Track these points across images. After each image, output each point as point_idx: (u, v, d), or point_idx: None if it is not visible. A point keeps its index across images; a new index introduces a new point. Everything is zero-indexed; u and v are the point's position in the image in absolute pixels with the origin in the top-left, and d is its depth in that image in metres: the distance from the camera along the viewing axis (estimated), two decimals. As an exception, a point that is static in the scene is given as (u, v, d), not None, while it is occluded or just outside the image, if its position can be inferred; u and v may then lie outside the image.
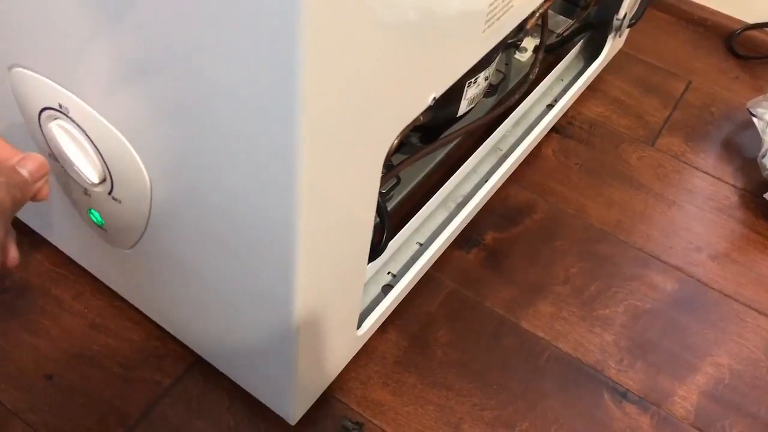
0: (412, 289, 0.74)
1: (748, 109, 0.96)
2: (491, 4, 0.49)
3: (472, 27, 0.49)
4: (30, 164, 0.44)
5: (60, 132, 0.50)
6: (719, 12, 1.15)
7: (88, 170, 0.51)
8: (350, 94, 0.39)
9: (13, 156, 0.44)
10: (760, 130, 0.93)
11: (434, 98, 0.49)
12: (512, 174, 0.87)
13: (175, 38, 0.37)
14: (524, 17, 0.60)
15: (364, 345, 0.71)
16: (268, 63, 0.34)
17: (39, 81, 0.48)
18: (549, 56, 0.93)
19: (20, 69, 0.49)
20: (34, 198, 0.46)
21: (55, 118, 0.50)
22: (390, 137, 0.47)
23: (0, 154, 0.44)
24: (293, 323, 0.51)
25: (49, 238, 0.75)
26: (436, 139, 0.71)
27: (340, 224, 0.49)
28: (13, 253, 0.45)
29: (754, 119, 0.95)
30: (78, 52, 0.44)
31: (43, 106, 0.50)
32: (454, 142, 0.79)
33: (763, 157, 0.91)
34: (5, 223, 0.41)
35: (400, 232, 0.71)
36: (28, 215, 0.74)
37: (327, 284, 0.53)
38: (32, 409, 0.65)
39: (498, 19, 0.52)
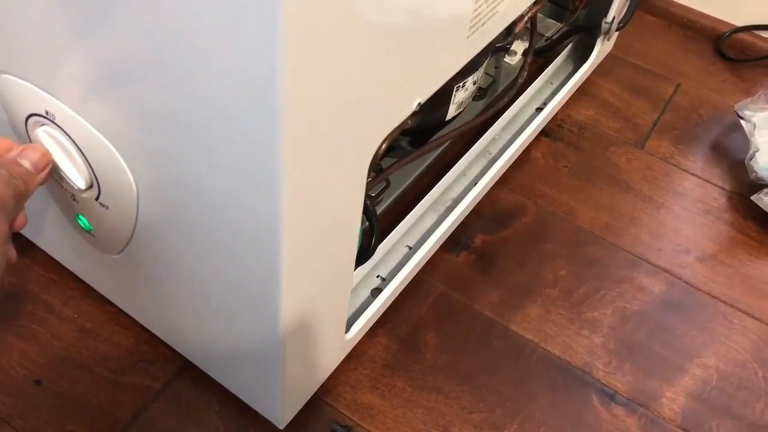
0: (402, 292, 0.75)
1: (736, 112, 0.97)
2: (475, 10, 0.49)
3: (456, 32, 0.49)
4: (32, 155, 0.44)
5: (47, 138, 0.50)
6: (708, 15, 1.16)
7: (75, 176, 0.51)
8: (333, 98, 0.39)
9: (13, 148, 0.44)
10: (747, 133, 0.94)
11: (419, 103, 0.49)
12: (501, 177, 0.87)
13: (156, 43, 0.37)
14: (509, 22, 0.60)
15: (354, 348, 0.71)
16: (250, 66, 0.34)
17: (25, 88, 0.48)
18: (538, 59, 0.94)
19: (7, 76, 0.49)
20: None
21: (42, 125, 0.50)
22: (375, 142, 0.48)
23: (0, 147, 0.44)
24: (280, 327, 0.51)
25: (38, 243, 0.75)
26: (425, 142, 0.72)
27: (326, 228, 0.49)
28: (11, 252, 0.45)
29: (742, 122, 0.95)
30: (63, 59, 0.44)
31: (30, 113, 0.50)
32: (444, 146, 0.79)
33: (751, 159, 0.92)
34: (7, 218, 0.41)
35: (390, 235, 0.71)
36: (17, 220, 0.74)
37: (314, 288, 0.53)
38: (21, 415, 0.65)
39: (483, 24, 0.52)
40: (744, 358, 0.76)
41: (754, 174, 0.91)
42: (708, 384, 0.74)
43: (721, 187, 0.94)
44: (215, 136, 0.40)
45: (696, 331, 0.78)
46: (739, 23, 1.14)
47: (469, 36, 0.51)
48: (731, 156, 0.98)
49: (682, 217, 0.90)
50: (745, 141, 0.94)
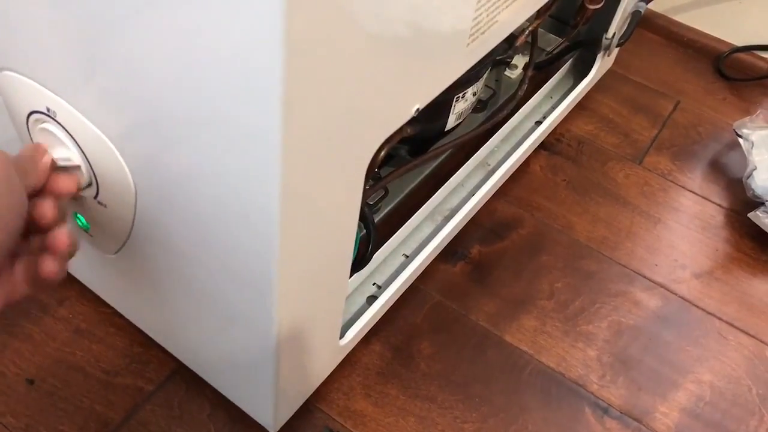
0: (397, 300, 0.75)
1: (734, 130, 0.98)
2: (475, 19, 0.50)
3: (455, 40, 0.50)
4: (24, 150, 0.44)
5: (47, 136, 0.50)
6: (708, 34, 1.17)
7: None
8: (332, 103, 0.39)
9: None
10: (745, 151, 0.95)
11: (418, 109, 0.49)
12: (499, 189, 0.88)
13: (159, 46, 0.38)
14: (509, 33, 0.60)
15: (348, 355, 0.71)
16: (250, 71, 0.35)
17: (27, 84, 0.49)
18: (539, 74, 0.94)
19: (9, 72, 0.50)
20: (59, 194, 0.45)
21: (43, 122, 0.50)
22: (373, 147, 0.48)
23: None
24: (274, 332, 0.51)
25: (36, 243, 0.75)
26: (424, 152, 0.72)
27: (322, 234, 0.49)
28: (62, 237, 0.42)
29: (740, 140, 0.96)
30: (66, 57, 0.44)
31: (32, 110, 0.50)
32: (443, 156, 0.80)
33: (749, 177, 0.92)
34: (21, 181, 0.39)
35: (387, 243, 0.71)
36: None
37: (308, 294, 0.53)
38: (12, 413, 0.65)
39: (482, 33, 0.53)
40: (738, 375, 0.76)
41: (752, 192, 0.91)
42: (702, 400, 0.74)
43: (718, 205, 0.94)
44: (215, 139, 0.40)
45: (690, 346, 0.78)
46: (739, 43, 1.15)
47: (468, 44, 0.52)
48: (729, 174, 0.98)
49: (678, 233, 0.90)
50: (743, 159, 0.95)
